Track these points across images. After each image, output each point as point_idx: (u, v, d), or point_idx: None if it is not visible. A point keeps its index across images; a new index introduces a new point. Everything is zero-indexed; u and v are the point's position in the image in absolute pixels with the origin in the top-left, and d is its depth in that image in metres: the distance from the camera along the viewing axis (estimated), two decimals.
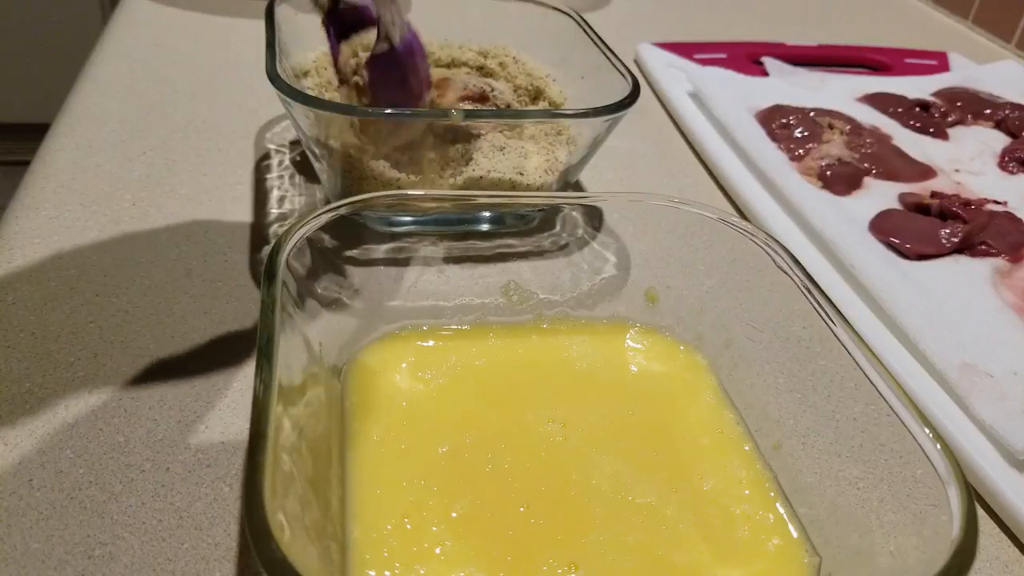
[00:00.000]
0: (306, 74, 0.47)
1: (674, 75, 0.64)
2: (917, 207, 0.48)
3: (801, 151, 0.53)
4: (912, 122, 0.59)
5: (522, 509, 0.29)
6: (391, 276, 0.37)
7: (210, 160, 0.49)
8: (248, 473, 0.21)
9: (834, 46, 0.73)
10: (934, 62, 0.73)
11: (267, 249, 0.42)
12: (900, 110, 0.60)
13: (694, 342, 0.37)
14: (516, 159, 0.43)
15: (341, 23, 0.42)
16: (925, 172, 0.53)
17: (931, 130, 0.58)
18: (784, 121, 0.56)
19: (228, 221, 0.44)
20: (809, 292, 0.31)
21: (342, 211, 0.32)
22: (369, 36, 0.42)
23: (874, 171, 0.52)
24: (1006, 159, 0.56)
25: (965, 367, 0.36)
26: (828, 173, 0.51)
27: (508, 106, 0.46)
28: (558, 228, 0.40)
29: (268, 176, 0.48)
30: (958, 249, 0.44)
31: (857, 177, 0.51)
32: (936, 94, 0.64)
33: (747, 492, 0.30)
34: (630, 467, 0.31)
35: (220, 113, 0.54)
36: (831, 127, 0.56)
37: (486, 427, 0.32)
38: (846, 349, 0.29)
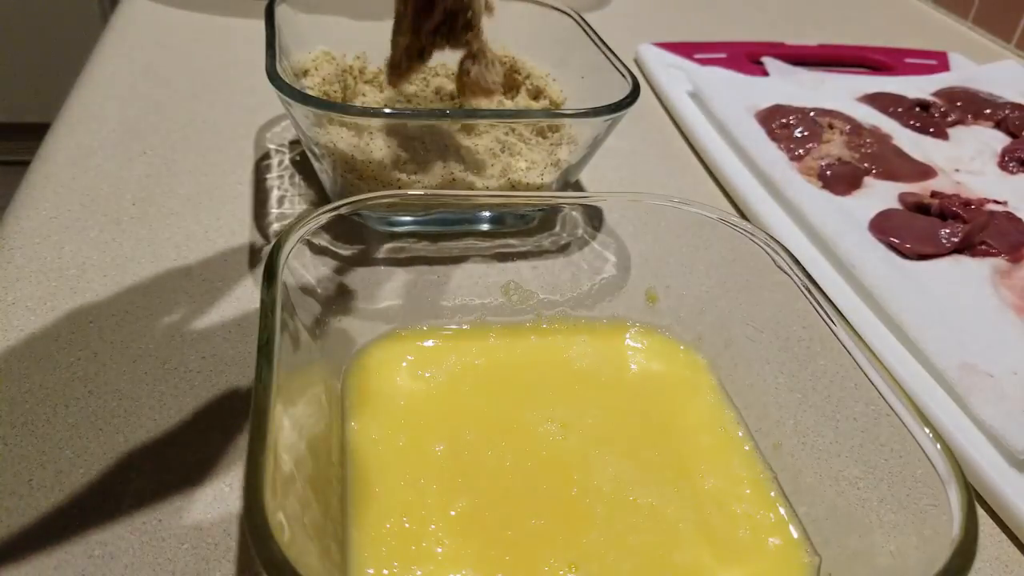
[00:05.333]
0: (306, 74, 0.47)
1: (674, 75, 0.64)
2: (917, 207, 0.48)
3: (801, 151, 0.53)
4: (912, 122, 0.59)
5: (521, 509, 0.29)
6: (391, 276, 0.37)
7: (210, 160, 0.49)
8: (248, 473, 0.21)
9: (834, 46, 0.73)
10: (934, 62, 0.73)
11: (267, 249, 0.42)
12: (900, 110, 0.60)
13: (694, 342, 0.37)
14: (515, 159, 0.43)
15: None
16: (925, 172, 0.53)
17: (931, 130, 0.58)
18: (784, 121, 0.56)
19: (228, 221, 0.44)
20: (809, 292, 0.31)
21: (342, 211, 0.32)
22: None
23: (874, 171, 0.52)
24: (1006, 159, 0.56)
25: (965, 367, 0.36)
26: (828, 173, 0.51)
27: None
28: (558, 228, 0.40)
29: (268, 176, 0.48)
30: (958, 249, 0.44)
31: (857, 177, 0.51)
32: (936, 94, 0.64)
33: (747, 492, 0.30)
34: (630, 467, 0.31)
35: (220, 113, 0.54)
36: (831, 127, 0.56)
37: (486, 427, 0.32)
38: (846, 349, 0.29)
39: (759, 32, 0.78)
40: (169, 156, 0.48)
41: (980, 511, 0.33)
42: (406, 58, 0.42)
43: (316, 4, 0.50)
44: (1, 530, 0.28)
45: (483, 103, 0.45)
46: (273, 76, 0.38)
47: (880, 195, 0.50)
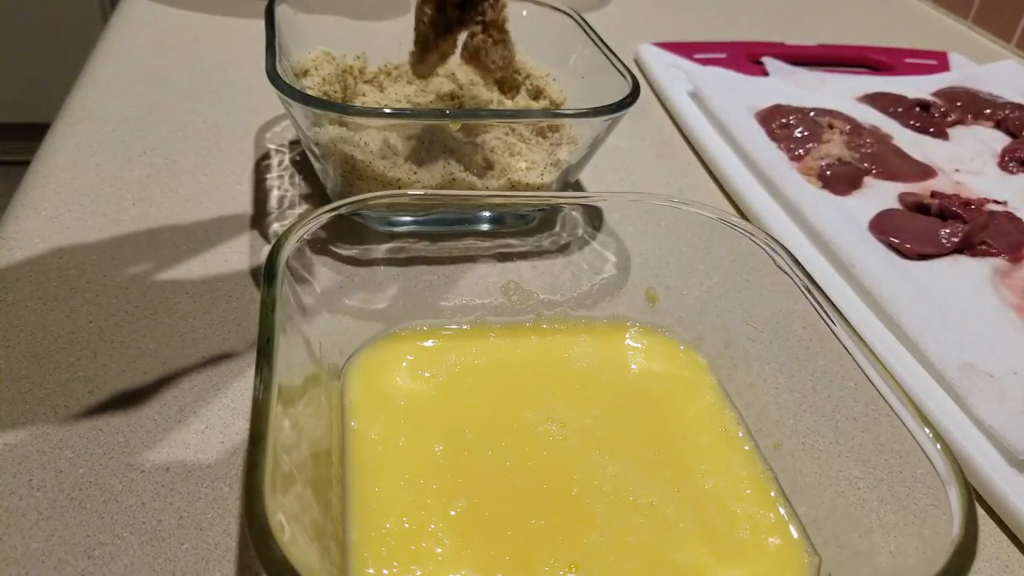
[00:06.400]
0: (306, 73, 0.47)
1: (674, 75, 0.64)
2: (917, 207, 0.48)
3: (801, 151, 0.53)
4: (912, 122, 0.59)
5: (521, 509, 0.29)
6: (391, 276, 0.37)
7: (210, 160, 0.49)
8: (248, 473, 0.21)
9: (834, 46, 0.73)
10: (934, 62, 0.73)
11: (267, 249, 0.42)
12: (900, 110, 0.60)
13: (694, 342, 0.37)
14: (515, 159, 0.43)
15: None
16: (925, 172, 0.53)
17: (931, 130, 0.58)
18: (784, 121, 0.56)
19: (228, 221, 0.44)
20: (809, 292, 0.31)
21: (342, 211, 0.32)
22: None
23: (874, 171, 0.52)
24: (1006, 159, 0.56)
25: (965, 367, 0.36)
26: (828, 173, 0.51)
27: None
28: (558, 228, 0.40)
29: (268, 176, 0.48)
30: (958, 249, 0.44)
31: (857, 177, 0.51)
32: (936, 94, 0.64)
33: (747, 492, 0.30)
34: (630, 467, 0.31)
35: (220, 113, 0.54)
36: (831, 127, 0.56)
37: (486, 426, 0.32)
38: (846, 349, 0.29)
39: (759, 32, 0.78)
40: (169, 156, 0.49)
41: (980, 511, 0.33)
42: (433, 34, 0.42)
43: (316, 4, 0.50)
44: (1, 530, 0.28)
45: (482, 94, 0.45)
46: (273, 76, 0.38)
47: (880, 195, 0.50)
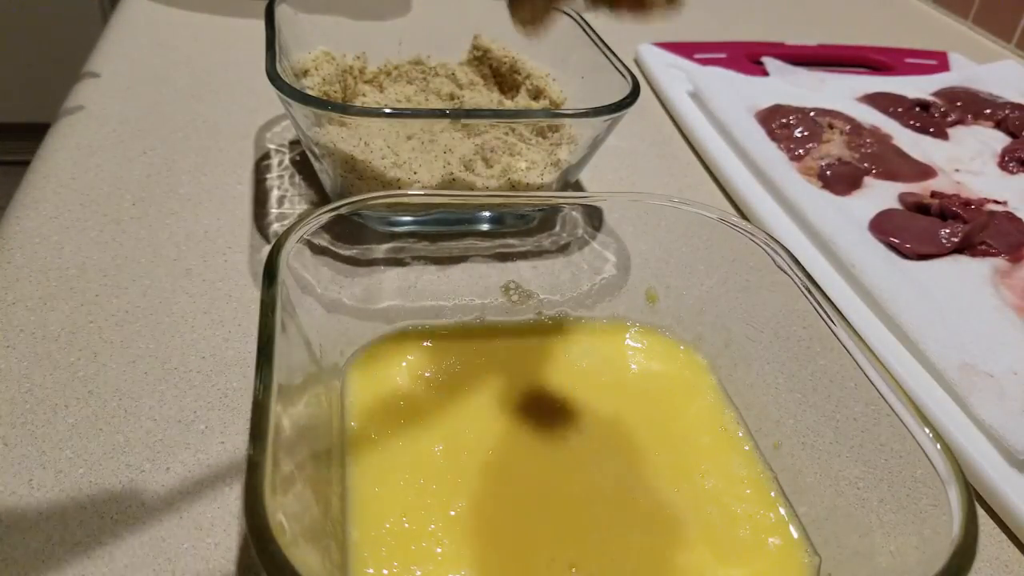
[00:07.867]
0: (306, 73, 0.47)
1: (674, 75, 0.64)
2: (917, 207, 0.48)
3: (801, 151, 0.53)
4: (912, 122, 0.59)
5: (522, 509, 0.29)
6: (391, 276, 0.37)
7: (210, 160, 0.49)
8: (248, 473, 0.21)
9: (834, 46, 0.73)
10: (934, 62, 0.73)
11: (267, 249, 0.42)
12: (900, 110, 0.60)
13: (694, 342, 0.37)
14: (515, 159, 0.43)
15: None
16: (925, 172, 0.53)
17: (931, 130, 0.58)
18: (784, 121, 0.56)
19: (228, 221, 0.44)
20: (809, 292, 0.31)
21: (342, 211, 0.32)
22: None
23: (874, 171, 0.52)
24: (1006, 159, 0.56)
25: (965, 367, 0.36)
26: (828, 173, 0.51)
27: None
28: (558, 228, 0.40)
29: (268, 176, 0.48)
30: (958, 249, 0.44)
31: (857, 177, 0.51)
32: (936, 94, 0.64)
33: (747, 492, 0.30)
34: (630, 467, 0.31)
35: (220, 113, 0.54)
36: (831, 127, 0.56)
37: (485, 426, 0.32)
38: (846, 349, 0.29)
39: (759, 32, 0.78)
40: (169, 156, 0.48)
41: (980, 511, 0.33)
42: None
43: (316, 4, 0.50)
44: (1, 530, 0.28)
45: (482, 94, 0.44)
46: (273, 76, 0.38)
47: (880, 195, 0.50)
